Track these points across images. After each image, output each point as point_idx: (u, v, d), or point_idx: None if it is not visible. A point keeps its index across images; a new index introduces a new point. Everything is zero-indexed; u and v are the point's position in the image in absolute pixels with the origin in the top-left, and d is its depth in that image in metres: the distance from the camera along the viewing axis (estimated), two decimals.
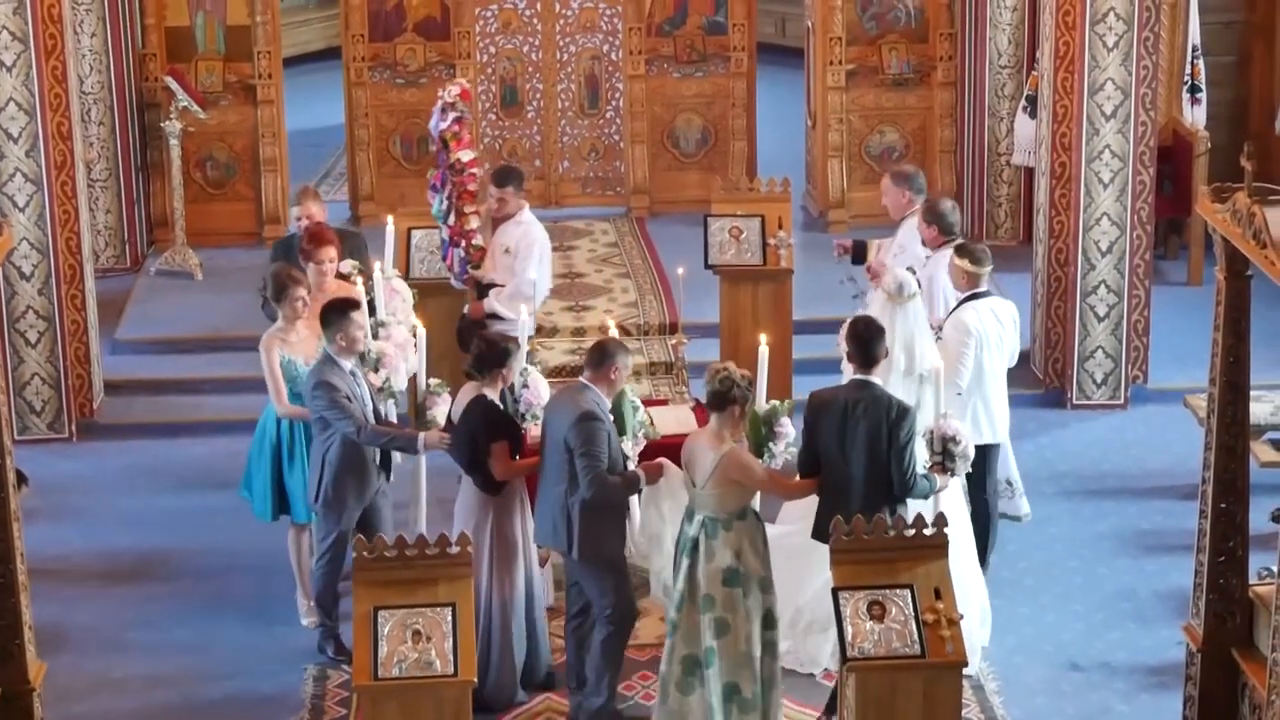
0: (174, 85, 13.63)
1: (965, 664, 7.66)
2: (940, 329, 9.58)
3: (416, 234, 11.27)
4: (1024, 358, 12.18)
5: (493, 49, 14.82)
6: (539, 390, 9.03)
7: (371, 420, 8.98)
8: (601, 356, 8.48)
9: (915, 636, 7.56)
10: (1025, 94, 13.56)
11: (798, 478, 8.50)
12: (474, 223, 10.65)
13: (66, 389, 11.69)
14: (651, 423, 9.17)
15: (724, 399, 8.17)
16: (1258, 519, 8.11)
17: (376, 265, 10.17)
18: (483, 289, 10.69)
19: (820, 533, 8.14)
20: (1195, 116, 13.70)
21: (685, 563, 8.24)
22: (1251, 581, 7.89)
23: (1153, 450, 11.51)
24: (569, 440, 8.30)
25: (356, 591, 7.73)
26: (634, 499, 8.76)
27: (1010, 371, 9.88)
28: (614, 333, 9.38)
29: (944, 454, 8.62)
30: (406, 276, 11.05)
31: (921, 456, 8.52)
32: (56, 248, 11.54)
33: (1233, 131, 14.02)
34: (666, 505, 8.64)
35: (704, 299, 11.58)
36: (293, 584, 9.68)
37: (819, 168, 14.65)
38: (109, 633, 9.59)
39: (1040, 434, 11.67)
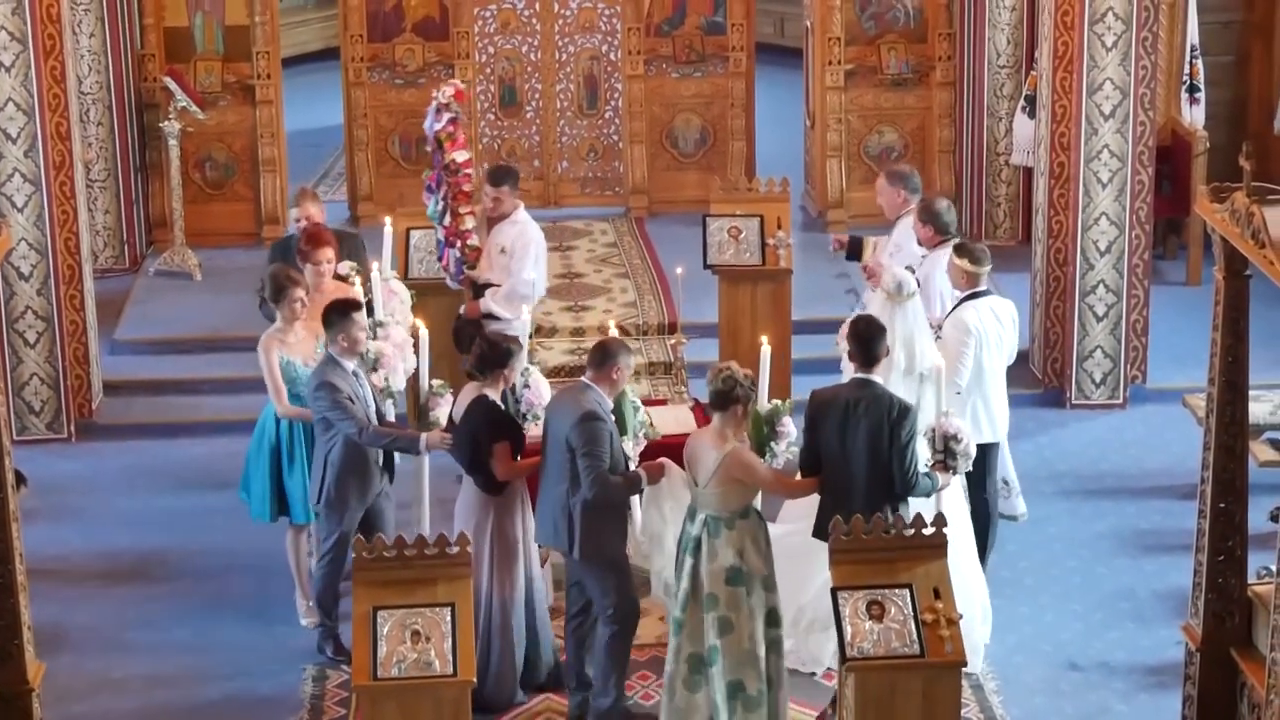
0: (173, 86, 13.63)
1: (964, 664, 7.66)
2: (939, 328, 9.58)
3: (415, 234, 11.27)
4: (1023, 357, 12.17)
5: (491, 49, 14.82)
6: (540, 390, 9.03)
7: (374, 421, 8.98)
8: (604, 356, 8.49)
9: (914, 636, 7.57)
10: (1024, 94, 13.56)
11: (798, 477, 8.51)
12: (469, 223, 10.65)
13: (65, 389, 11.69)
14: (651, 423, 9.17)
15: (727, 398, 8.18)
16: (1256, 518, 8.11)
17: (374, 266, 10.17)
18: (479, 289, 10.69)
19: (821, 531, 8.15)
20: (1194, 116, 13.70)
21: (689, 562, 8.25)
22: (1250, 581, 7.89)
23: (1152, 450, 11.51)
24: (571, 440, 8.30)
25: (356, 592, 7.73)
26: (635, 499, 8.76)
27: (1009, 371, 9.88)
28: (614, 333, 9.38)
29: (945, 452, 8.63)
30: (405, 277, 11.06)
31: (923, 455, 8.53)
32: (55, 248, 11.54)
33: (1231, 131, 14.02)
34: (668, 505, 8.64)
35: (703, 299, 11.58)
36: (292, 584, 9.68)
37: (818, 168, 14.65)
38: (108, 633, 9.59)
39: (1039, 434, 11.67)
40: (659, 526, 8.70)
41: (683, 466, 8.47)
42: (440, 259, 10.82)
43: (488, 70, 14.83)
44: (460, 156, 10.55)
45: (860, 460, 8.30)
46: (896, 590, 7.66)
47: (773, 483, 8.43)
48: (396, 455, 9.20)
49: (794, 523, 9.08)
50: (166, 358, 12.54)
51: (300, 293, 9.42)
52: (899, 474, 8.29)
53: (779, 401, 8.90)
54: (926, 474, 8.46)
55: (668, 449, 8.89)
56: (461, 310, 10.76)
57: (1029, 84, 13.33)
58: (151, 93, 14.09)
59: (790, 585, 8.62)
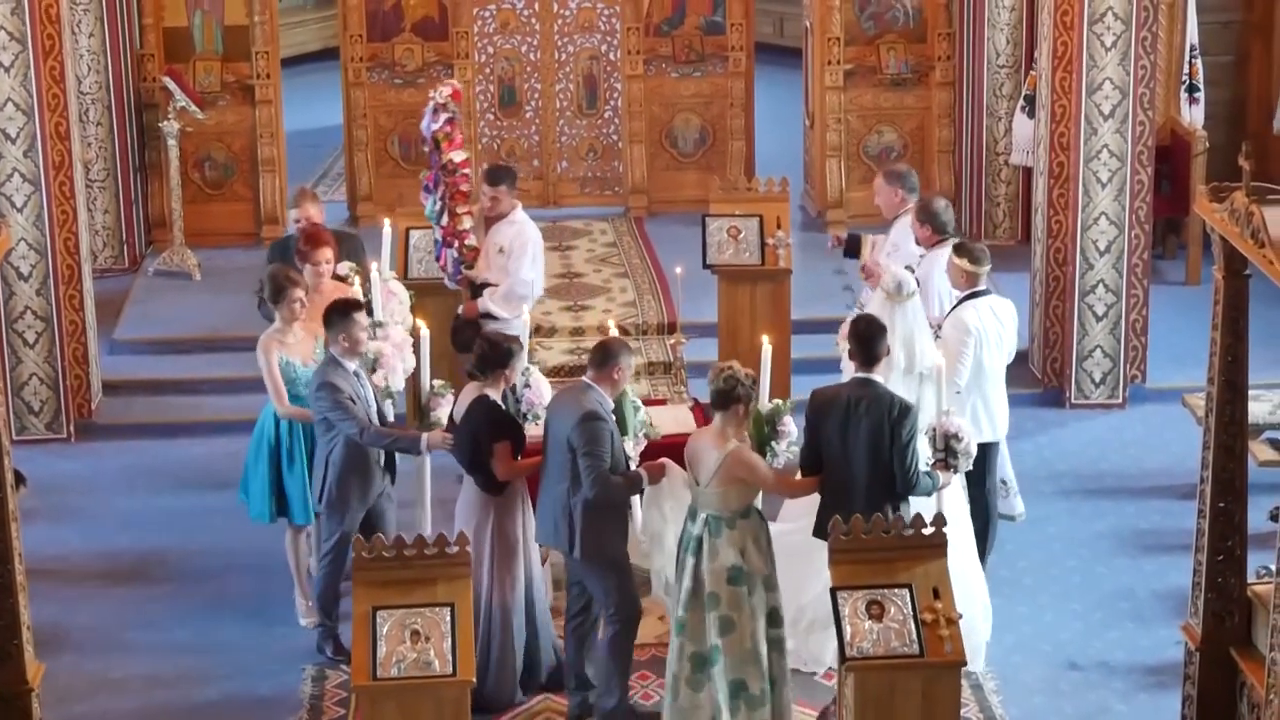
0: (172, 85, 13.63)
1: (964, 663, 7.67)
2: (939, 328, 9.59)
3: (415, 234, 11.27)
4: (1022, 357, 12.18)
5: (491, 49, 14.82)
6: (541, 390, 9.03)
7: (376, 421, 8.98)
8: (605, 356, 8.49)
9: (914, 636, 7.57)
10: (1023, 94, 13.56)
11: (799, 476, 8.52)
12: (467, 223, 10.65)
13: (65, 389, 11.69)
14: (651, 423, 9.17)
15: (728, 398, 8.18)
16: (1256, 518, 8.11)
17: (373, 266, 10.17)
18: (477, 289, 10.69)
19: (822, 531, 8.15)
20: (1193, 116, 13.70)
21: (690, 561, 8.25)
22: (1250, 581, 7.90)
23: (1151, 449, 11.51)
24: (572, 440, 8.31)
25: (355, 592, 7.73)
26: (635, 499, 8.76)
27: (1009, 371, 9.89)
28: (614, 333, 9.38)
29: (947, 451, 8.64)
30: (405, 277, 11.05)
31: (924, 454, 8.54)
32: (54, 248, 11.54)
33: (1231, 131, 14.02)
34: (668, 505, 8.65)
35: (702, 299, 11.58)
36: (291, 584, 9.68)
37: (817, 167, 14.65)
38: (107, 633, 9.59)
39: (1039, 433, 11.67)
40: (659, 526, 8.70)
41: (683, 466, 8.47)
42: (438, 259, 10.82)
43: (487, 70, 14.83)
44: (458, 156, 10.55)
45: (861, 459, 8.30)
46: (896, 590, 7.66)
47: (774, 482, 8.44)
48: (398, 455, 9.20)
49: (794, 522, 9.08)
50: (166, 358, 12.54)
51: (299, 293, 9.42)
52: (900, 473, 8.29)
53: (780, 401, 8.91)
54: (927, 473, 8.47)
55: (668, 449, 8.88)
56: (459, 310, 10.75)
57: (1028, 84, 13.33)
58: (151, 93, 14.09)
59: (791, 585, 8.62)
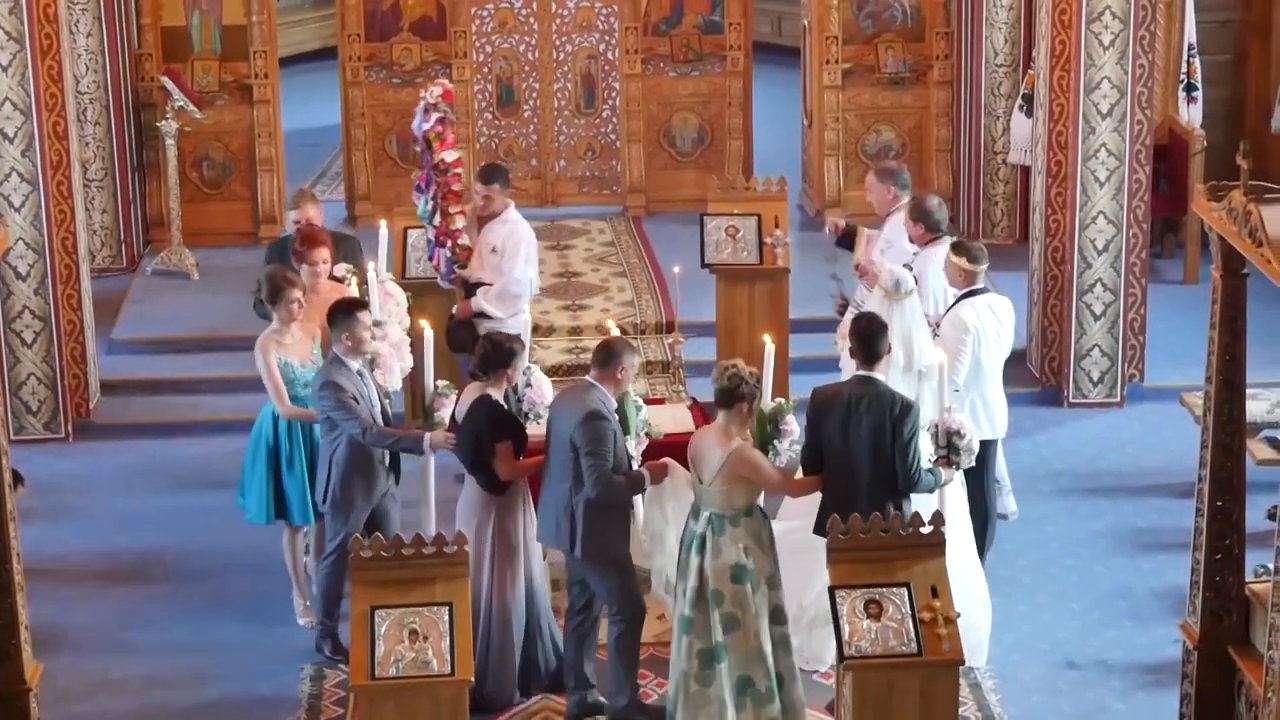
0: (170, 85, 13.62)
1: (962, 662, 7.67)
2: (936, 326, 9.59)
3: (413, 233, 11.27)
4: (1021, 356, 12.19)
5: (489, 48, 14.82)
6: (542, 389, 9.03)
7: (380, 421, 8.97)
8: (608, 356, 8.50)
9: (912, 635, 7.57)
10: (1021, 92, 13.57)
11: (800, 474, 8.52)
12: (459, 222, 10.65)
13: (63, 389, 11.69)
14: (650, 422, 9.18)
15: (732, 396, 8.19)
16: (1254, 517, 8.10)
17: (370, 266, 10.16)
18: (470, 288, 10.69)
19: (823, 529, 8.15)
20: (1191, 115, 13.70)
21: (695, 560, 8.26)
22: (1248, 579, 7.89)
23: (1149, 448, 11.51)
24: (574, 439, 8.31)
25: (353, 591, 7.73)
26: (638, 498, 8.77)
27: (1007, 370, 9.90)
28: (615, 332, 9.38)
29: (949, 448, 8.65)
30: (403, 276, 11.06)
31: (926, 451, 8.54)
32: (52, 248, 11.54)
33: (1229, 130, 14.03)
34: (670, 505, 8.65)
35: (700, 298, 11.58)
36: (289, 584, 9.68)
37: (815, 167, 14.66)
38: (106, 633, 9.59)
39: (1037, 432, 11.67)
40: (660, 525, 8.70)
41: (685, 465, 8.48)
42: (431, 259, 10.82)
43: (485, 69, 14.83)
44: (449, 156, 10.54)
45: (863, 457, 8.30)
46: (894, 589, 7.66)
47: (778, 481, 8.44)
48: (402, 456, 9.19)
49: (795, 520, 9.08)
50: (164, 357, 12.54)
51: (297, 294, 9.41)
52: (902, 471, 8.30)
53: (783, 400, 8.91)
54: (929, 470, 8.47)
55: (669, 448, 8.89)
56: (454, 310, 10.75)
57: (1026, 83, 13.33)
58: (149, 92, 14.09)
59: (793, 583, 8.62)
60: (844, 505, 8.08)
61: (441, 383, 9.31)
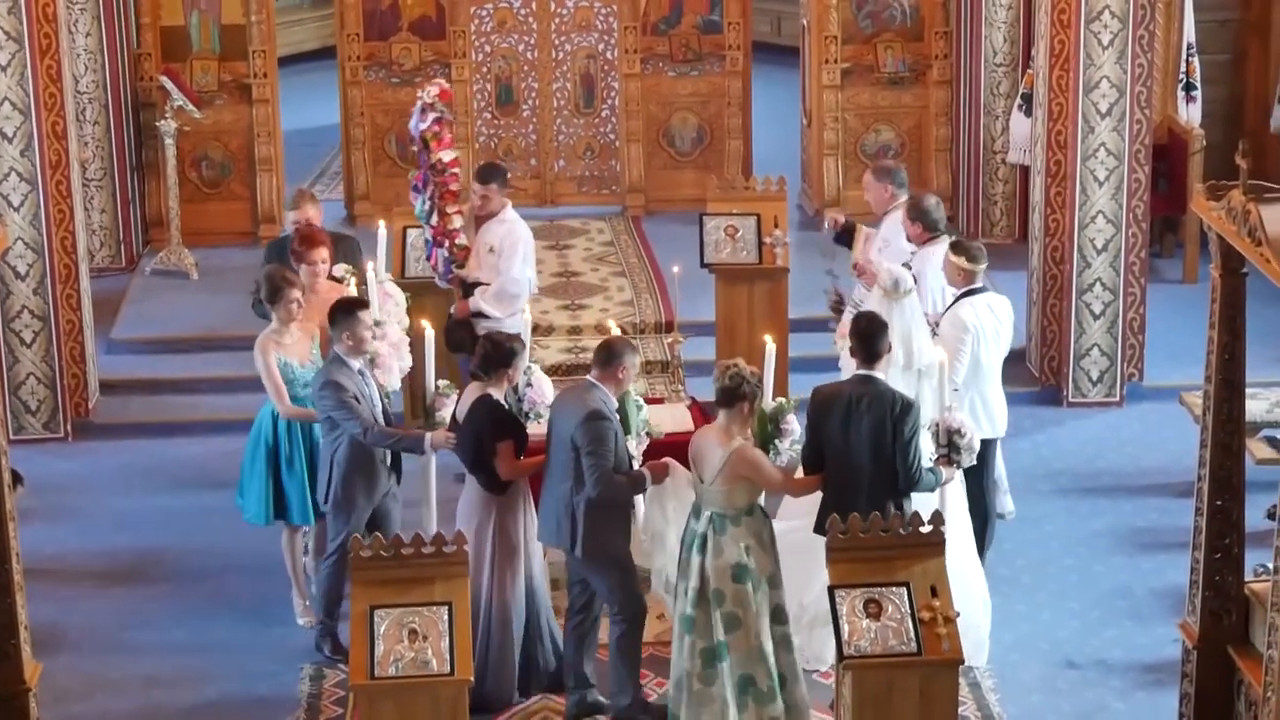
0: (169, 85, 13.62)
1: (961, 661, 7.67)
2: (935, 325, 9.60)
3: (412, 233, 11.26)
4: (1020, 356, 12.20)
5: (488, 48, 14.82)
6: (543, 389, 9.03)
7: (381, 420, 8.97)
8: (610, 356, 8.50)
9: (911, 634, 7.57)
10: (1020, 92, 13.57)
11: (800, 473, 8.52)
12: (457, 222, 10.64)
13: (62, 389, 11.69)
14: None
15: (734, 395, 8.19)
16: (1253, 516, 8.10)
17: (369, 265, 10.16)
18: (468, 288, 10.69)
19: (824, 527, 8.15)
20: (1190, 114, 13.71)
21: (696, 559, 8.26)
22: (1247, 579, 7.89)
23: (1148, 448, 11.51)
24: (576, 439, 8.31)
25: (353, 591, 7.73)
26: (639, 498, 8.77)
27: (1006, 369, 9.90)
28: (616, 332, 9.38)
29: (949, 446, 8.65)
30: (402, 275, 11.06)
31: (926, 449, 8.54)
32: (52, 247, 11.54)
33: (1228, 129, 14.03)
34: (671, 505, 8.65)
35: (699, 297, 11.58)
36: (288, 584, 9.68)
37: (814, 166, 14.65)
38: (105, 633, 9.59)
39: (1036, 432, 11.67)
40: (661, 525, 8.70)
41: (686, 465, 8.48)
42: (428, 258, 10.81)
43: (484, 69, 14.83)
44: (447, 156, 10.53)
45: (863, 456, 8.30)
46: (894, 588, 7.66)
47: (779, 481, 8.44)
48: (403, 455, 9.19)
49: (796, 520, 9.08)
50: (163, 357, 12.53)
51: (296, 293, 9.41)
52: (903, 470, 8.30)
53: (784, 399, 8.91)
54: (930, 469, 8.47)
55: (670, 448, 8.89)
56: (452, 310, 10.75)
57: (1025, 82, 13.33)
58: (148, 92, 14.09)
59: (793, 583, 8.62)
60: (845, 504, 8.08)
61: (443, 382, 9.31)
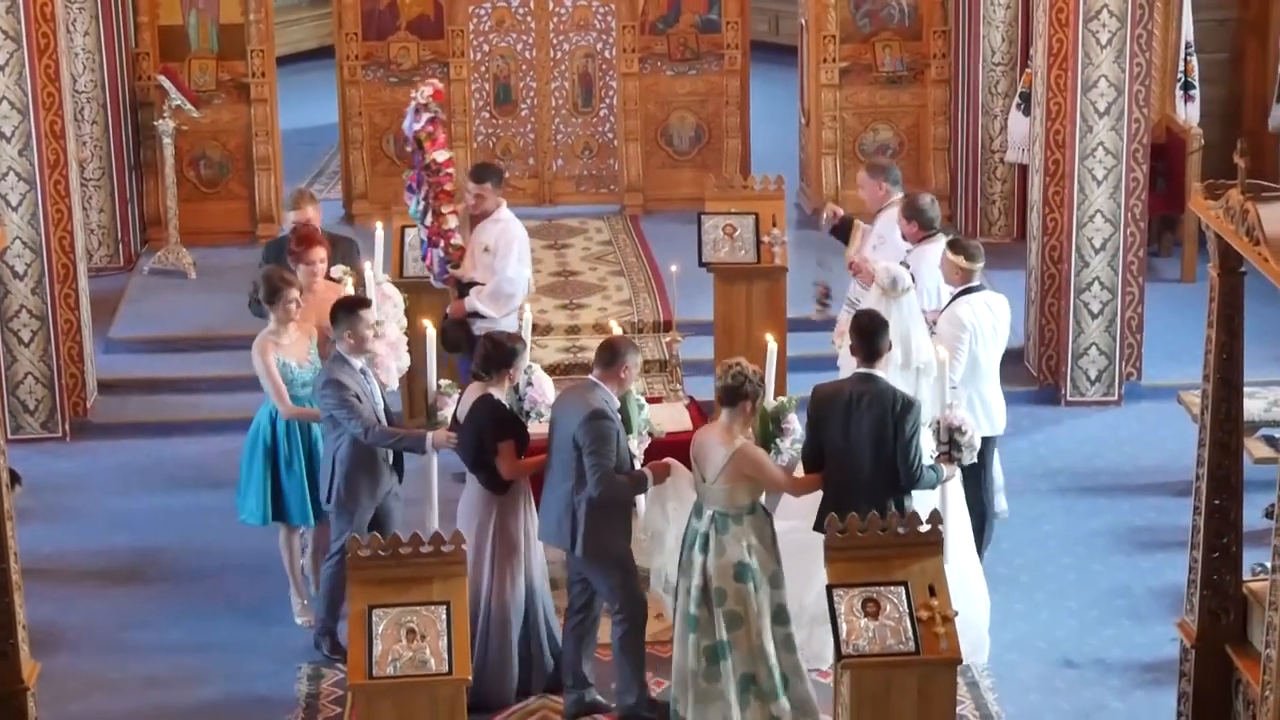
0: (167, 84, 13.62)
1: (960, 661, 7.67)
2: (933, 324, 9.60)
3: (410, 233, 11.26)
4: (1018, 355, 12.21)
5: (486, 47, 14.81)
6: (544, 388, 9.03)
7: (383, 419, 8.96)
8: (612, 355, 8.50)
9: (910, 633, 7.57)
10: (1019, 91, 13.57)
11: (800, 472, 8.52)
12: (452, 222, 10.64)
13: (60, 388, 11.68)
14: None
15: (736, 394, 8.19)
16: (1251, 515, 8.10)
17: (367, 265, 10.15)
18: (463, 288, 10.68)
19: (824, 526, 8.16)
20: (1188, 113, 13.71)
21: (698, 558, 8.27)
22: (1245, 578, 7.89)
23: (1147, 447, 11.51)
24: (578, 438, 8.32)
25: (351, 590, 7.73)
26: (640, 497, 8.77)
27: (1004, 369, 9.90)
28: (618, 332, 9.38)
29: (950, 444, 8.64)
30: (400, 275, 11.06)
31: (928, 447, 8.54)
32: (50, 247, 11.53)
33: (1226, 128, 14.03)
34: (671, 504, 8.65)
35: (698, 297, 11.58)
36: (286, 583, 9.68)
37: (813, 165, 14.65)
38: (103, 633, 9.58)
39: (1034, 431, 11.67)
40: (660, 525, 8.71)
41: (687, 464, 8.48)
42: (423, 259, 10.81)
43: (482, 68, 14.83)
44: (441, 156, 10.53)
45: (864, 454, 8.30)
46: (892, 587, 7.66)
47: (783, 480, 8.45)
48: (405, 454, 9.18)
49: (797, 519, 9.07)
50: (161, 356, 12.53)
51: (295, 294, 9.40)
52: (903, 468, 8.30)
53: (785, 398, 8.91)
54: (931, 466, 8.47)
55: (672, 447, 8.89)
56: (447, 310, 10.74)
57: (1024, 81, 13.33)
58: (146, 91, 14.09)
59: (794, 583, 8.62)
60: (845, 503, 8.08)
61: (444, 382, 9.30)
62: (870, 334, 8.46)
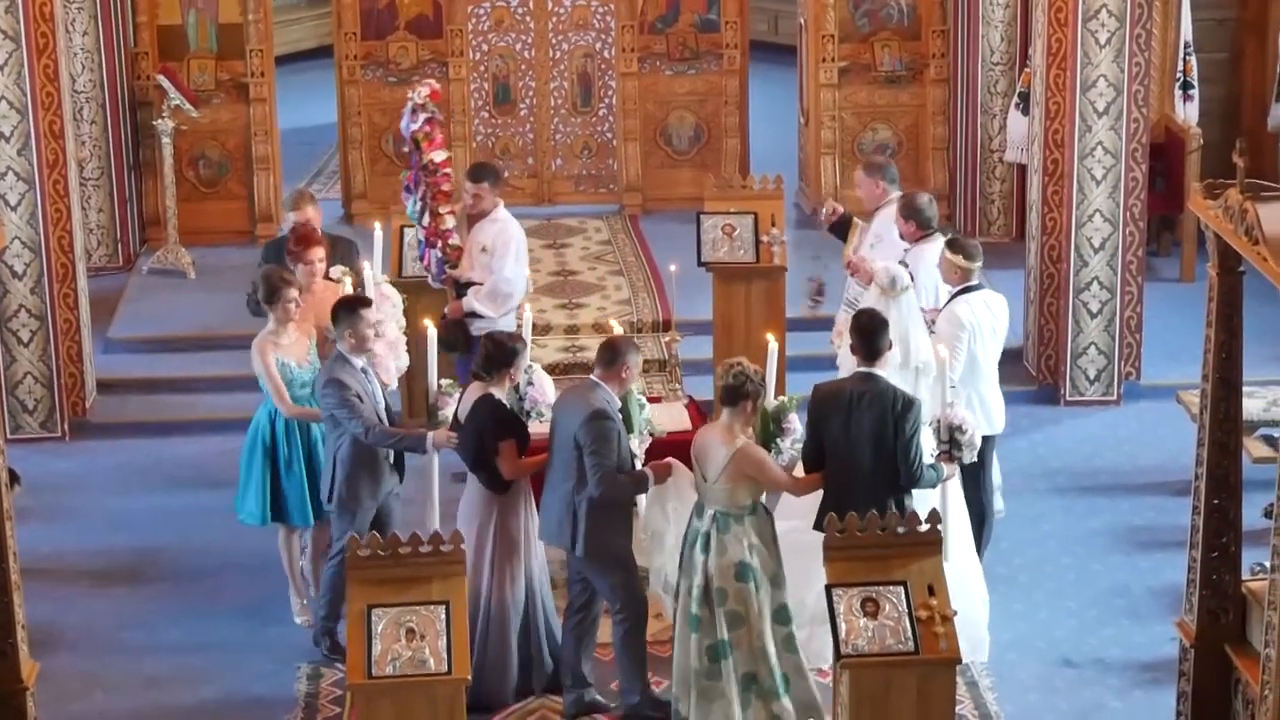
0: (166, 84, 13.62)
1: (959, 660, 7.66)
2: (932, 323, 9.60)
3: (409, 232, 11.26)
4: (1017, 354, 12.21)
5: (485, 46, 14.81)
6: (544, 388, 9.03)
7: (385, 419, 8.96)
8: (613, 355, 8.50)
9: (909, 633, 7.57)
10: (1018, 91, 13.57)
11: (801, 471, 8.52)
12: (449, 223, 10.64)
13: (59, 388, 11.68)
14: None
15: (737, 394, 8.20)
16: (1250, 515, 8.10)
17: (365, 265, 10.15)
18: (461, 288, 10.68)
19: (823, 524, 8.16)
20: (1187, 113, 13.71)
21: (700, 558, 8.27)
22: (1244, 577, 7.90)
23: (1146, 446, 11.51)
24: (579, 438, 8.32)
25: (350, 590, 7.73)
26: (641, 497, 8.77)
27: (1003, 368, 9.90)
28: (619, 331, 9.38)
29: (951, 442, 8.65)
30: (399, 275, 11.05)
31: (928, 446, 8.55)
32: (49, 246, 11.53)
33: (1225, 128, 14.04)
34: (671, 505, 8.65)
35: (697, 296, 11.58)
36: (285, 583, 9.68)
37: (812, 165, 14.65)
38: (103, 632, 9.58)
39: (1033, 430, 11.67)
40: (660, 525, 8.71)
41: (688, 463, 8.48)
42: (421, 259, 10.81)
43: (481, 68, 14.83)
44: (438, 156, 10.53)
45: (865, 453, 8.30)
46: (891, 587, 7.66)
47: (785, 480, 8.45)
48: (406, 455, 9.18)
49: (797, 519, 9.07)
50: (160, 356, 12.53)
51: (294, 293, 9.40)
52: (904, 467, 8.30)
53: (786, 398, 8.91)
54: (932, 465, 8.48)
55: (672, 447, 8.89)
56: (445, 310, 10.74)
57: (1023, 81, 13.33)
58: (145, 91, 14.09)
59: (795, 583, 8.62)
60: (845, 502, 8.08)
61: (445, 381, 9.30)
62: (871, 333, 8.46)
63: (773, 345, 9.04)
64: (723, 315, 11.33)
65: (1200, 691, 7.89)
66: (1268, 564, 7.51)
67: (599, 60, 14.86)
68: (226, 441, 10.79)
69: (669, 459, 8.66)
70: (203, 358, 12.35)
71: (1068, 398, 12.04)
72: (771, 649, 8.27)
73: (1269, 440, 10.26)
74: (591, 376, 8.60)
